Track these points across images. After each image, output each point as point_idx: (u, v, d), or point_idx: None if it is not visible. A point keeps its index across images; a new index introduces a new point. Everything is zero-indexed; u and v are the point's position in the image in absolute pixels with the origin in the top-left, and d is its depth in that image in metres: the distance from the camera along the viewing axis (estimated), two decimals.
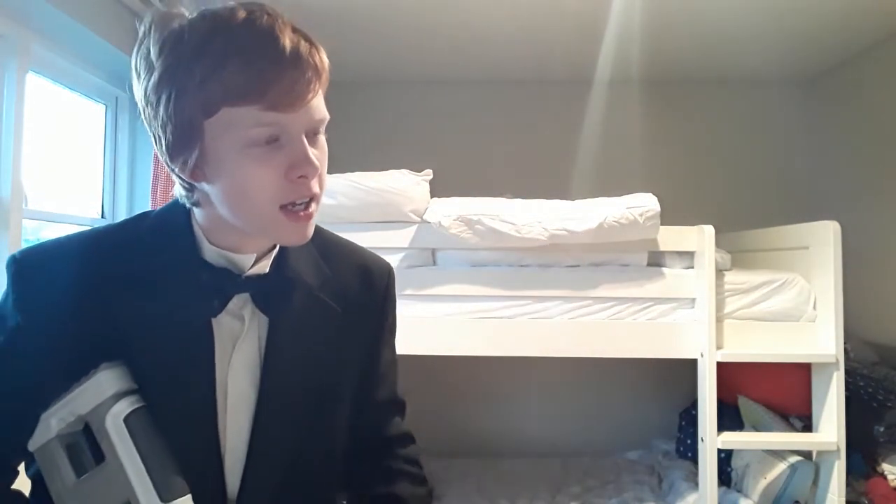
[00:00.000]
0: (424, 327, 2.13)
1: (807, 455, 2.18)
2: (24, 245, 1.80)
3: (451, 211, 2.08)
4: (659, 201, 2.09)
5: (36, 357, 0.73)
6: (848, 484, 2.04)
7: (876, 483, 2.15)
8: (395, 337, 0.98)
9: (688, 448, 2.68)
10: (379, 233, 2.12)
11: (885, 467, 2.17)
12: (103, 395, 0.72)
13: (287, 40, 0.69)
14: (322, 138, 0.78)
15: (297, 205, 0.73)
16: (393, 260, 2.14)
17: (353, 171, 2.25)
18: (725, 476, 2.35)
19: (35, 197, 1.95)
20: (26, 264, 0.75)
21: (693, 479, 2.36)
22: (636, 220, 2.06)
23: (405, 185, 2.19)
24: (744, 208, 3.01)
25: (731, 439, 2.11)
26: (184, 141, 0.71)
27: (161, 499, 0.70)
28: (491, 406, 3.17)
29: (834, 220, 2.08)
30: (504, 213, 2.08)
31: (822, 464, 2.10)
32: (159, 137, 0.72)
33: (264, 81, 0.68)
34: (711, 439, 2.06)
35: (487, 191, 2.27)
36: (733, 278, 2.17)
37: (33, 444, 0.74)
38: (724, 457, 2.30)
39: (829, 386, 2.05)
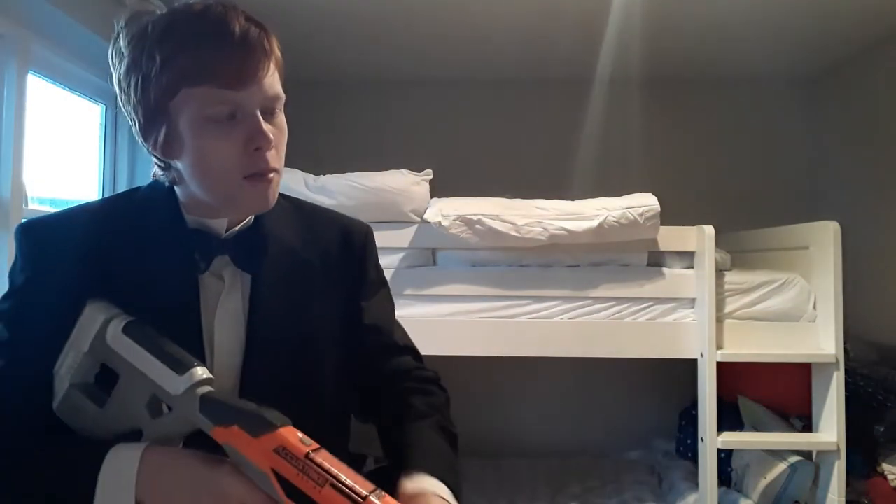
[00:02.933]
0: (424, 327, 2.13)
1: (807, 455, 2.18)
2: None
3: (451, 211, 2.08)
4: (659, 201, 2.09)
5: (44, 310, 0.80)
6: (848, 484, 2.04)
7: (876, 483, 2.15)
8: (384, 290, 1.04)
9: (688, 448, 2.68)
10: (379, 233, 2.08)
11: (885, 467, 2.16)
12: (96, 325, 0.77)
13: (237, 26, 0.77)
14: (280, 117, 0.84)
15: (259, 175, 0.81)
16: (393, 260, 2.15)
17: (353, 171, 2.25)
18: (725, 476, 2.34)
19: (35, 196, 1.95)
20: (33, 229, 0.84)
21: (693, 479, 2.35)
22: (636, 220, 2.06)
23: (405, 185, 2.19)
24: (744, 208, 3.01)
25: (731, 439, 2.11)
26: (152, 121, 0.80)
27: (178, 373, 0.73)
28: (491, 406, 3.16)
29: (834, 220, 2.08)
30: (504, 213, 2.08)
31: (822, 464, 2.10)
32: (133, 120, 0.82)
33: (215, 62, 0.76)
34: (711, 439, 2.06)
35: (487, 191, 2.27)
36: (733, 278, 2.17)
37: (56, 402, 0.78)
38: (724, 457, 2.30)
39: (829, 386, 2.05)
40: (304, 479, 0.63)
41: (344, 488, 0.62)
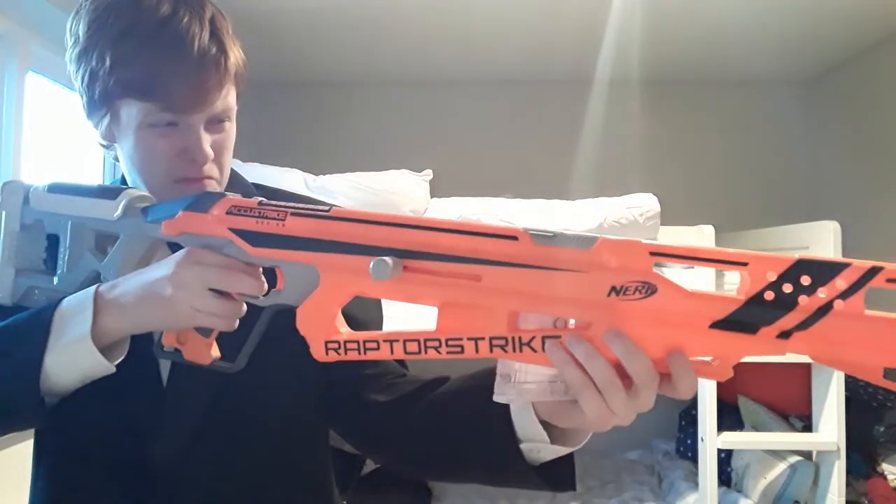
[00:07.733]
0: (424, 328, 2.13)
1: (807, 455, 2.18)
2: None
3: (451, 211, 2.08)
4: (659, 201, 2.09)
5: None
6: (848, 484, 2.04)
7: (876, 483, 2.15)
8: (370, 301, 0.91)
9: (688, 448, 2.68)
10: None
11: (885, 467, 2.17)
12: (19, 199, 0.75)
13: (196, 46, 0.73)
14: (227, 124, 0.81)
15: (191, 180, 0.78)
16: None
17: (353, 171, 2.25)
18: (725, 476, 2.34)
19: None
20: None
21: (693, 479, 2.35)
22: (636, 220, 2.06)
23: (405, 185, 2.19)
24: (744, 208, 3.01)
25: (731, 439, 2.11)
26: (96, 110, 0.79)
27: (112, 199, 0.71)
28: None
29: (834, 220, 2.08)
30: (504, 213, 2.08)
31: (822, 464, 2.10)
32: (80, 97, 0.81)
33: (165, 85, 0.73)
34: (711, 439, 2.06)
35: (487, 191, 2.27)
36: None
37: (6, 296, 0.74)
38: (724, 457, 2.30)
39: (829, 386, 2.05)
40: (265, 223, 0.62)
41: (306, 211, 0.62)
